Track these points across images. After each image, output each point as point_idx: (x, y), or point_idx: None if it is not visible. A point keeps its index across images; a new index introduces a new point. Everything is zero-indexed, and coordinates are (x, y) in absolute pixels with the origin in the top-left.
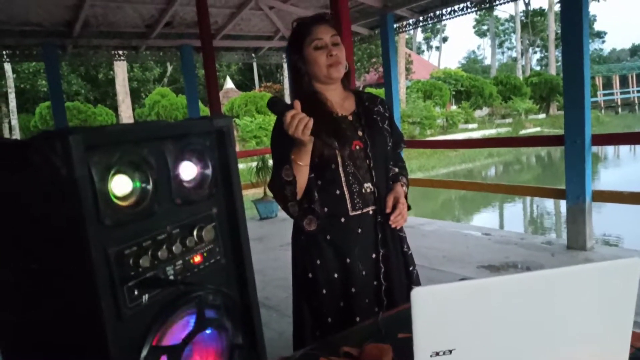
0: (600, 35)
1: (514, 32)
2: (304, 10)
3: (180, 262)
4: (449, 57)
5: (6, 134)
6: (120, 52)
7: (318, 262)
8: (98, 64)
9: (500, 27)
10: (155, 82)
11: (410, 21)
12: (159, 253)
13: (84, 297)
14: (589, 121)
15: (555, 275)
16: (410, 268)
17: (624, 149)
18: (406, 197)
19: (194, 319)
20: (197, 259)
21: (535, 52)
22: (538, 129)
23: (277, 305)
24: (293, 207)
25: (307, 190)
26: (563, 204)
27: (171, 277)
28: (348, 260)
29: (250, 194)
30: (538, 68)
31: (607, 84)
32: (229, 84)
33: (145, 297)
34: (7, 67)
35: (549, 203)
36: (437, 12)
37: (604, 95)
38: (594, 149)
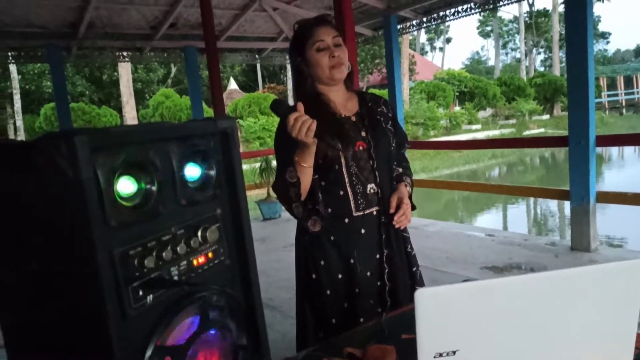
0: (604, 36)
1: (518, 33)
2: (308, 12)
3: (184, 262)
4: (452, 58)
5: (11, 135)
6: (125, 54)
7: (322, 262)
8: (102, 65)
9: (504, 28)
10: (159, 83)
11: (414, 22)
12: (164, 254)
13: (89, 297)
14: (593, 122)
15: (559, 277)
16: (414, 269)
17: (628, 150)
18: (410, 198)
19: (198, 319)
20: (202, 259)
21: (539, 53)
22: (542, 130)
23: (281, 306)
24: (297, 208)
25: (311, 191)
26: (567, 205)
27: (175, 278)
28: (352, 260)
29: (253, 195)
30: (542, 69)
31: (612, 85)
32: (232, 85)
33: (150, 298)
34: (13, 68)
35: (552, 204)
36: (441, 13)
37: (608, 96)
38: (598, 150)
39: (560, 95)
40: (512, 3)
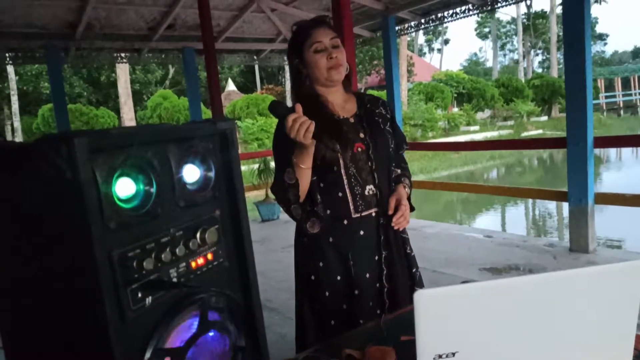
0: (602, 37)
1: (516, 34)
2: (306, 13)
3: (183, 264)
4: (450, 60)
5: (8, 136)
6: (123, 55)
7: (321, 264)
8: (100, 67)
9: (502, 30)
10: (157, 84)
11: (412, 24)
12: (163, 255)
13: (87, 299)
14: (591, 123)
15: (558, 278)
16: (414, 270)
17: (626, 151)
18: (409, 199)
19: (197, 321)
20: (200, 261)
21: (537, 55)
22: (540, 131)
23: (279, 308)
24: (296, 209)
25: (309, 193)
26: (565, 206)
27: (174, 280)
28: (351, 262)
29: (252, 196)
30: (540, 70)
31: (609, 87)
32: (230, 86)
33: (149, 300)
34: (10, 69)
35: (551, 205)
36: (439, 15)
37: (606, 97)
38: (596, 151)
39: (558, 97)
40: (510, 4)
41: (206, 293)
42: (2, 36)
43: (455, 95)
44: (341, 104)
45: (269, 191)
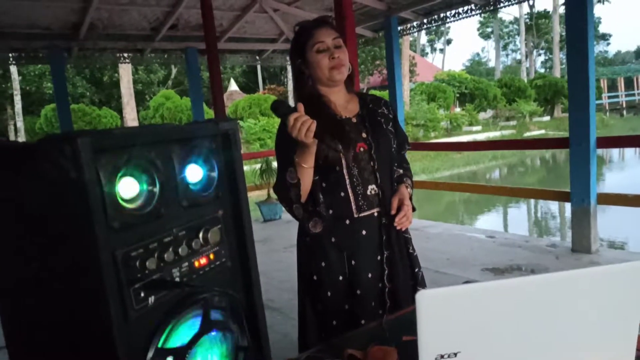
0: (605, 37)
1: (518, 34)
2: (308, 13)
3: (186, 264)
4: (453, 60)
5: (12, 136)
6: (126, 55)
7: (323, 264)
8: (103, 67)
9: (505, 30)
10: (159, 84)
11: (415, 24)
12: (165, 255)
13: (91, 298)
14: (594, 124)
15: (560, 279)
16: (416, 270)
17: (629, 151)
18: (411, 199)
19: (199, 320)
20: (203, 261)
21: (539, 55)
22: (542, 131)
23: (281, 308)
24: (298, 209)
25: (311, 193)
26: (568, 206)
27: (177, 279)
28: (353, 262)
29: (254, 196)
30: (542, 70)
31: (612, 87)
32: (233, 86)
33: (152, 299)
34: (13, 69)
35: (553, 206)
36: (441, 15)
37: (609, 97)
38: (599, 151)
39: (560, 97)
40: (512, 4)
41: (209, 293)
42: (6, 37)
43: (458, 95)
44: (343, 104)
45: (271, 191)
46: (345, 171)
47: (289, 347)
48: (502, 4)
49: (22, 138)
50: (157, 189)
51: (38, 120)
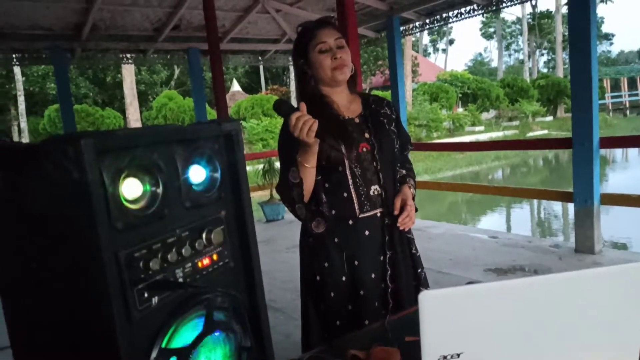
0: (608, 37)
1: (521, 34)
2: (311, 14)
3: (189, 264)
4: (455, 60)
5: (15, 137)
6: (128, 56)
7: (326, 264)
8: (106, 67)
9: (507, 30)
10: (162, 85)
11: (417, 24)
12: (169, 256)
13: (94, 299)
14: (597, 124)
15: (563, 279)
16: (419, 270)
17: (633, 151)
18: (413, 199)
19: (202, 321)
20: (206, 261)
21: (542, 55)
22: (545, 131)
23: (284, 308)
24: (300, 209)
25: (314, 193)
26: (571, 207)
27: (180, 280)
28: (356, 262)
29: (256, 196)
30: (545, 70)
31: (615, 87)
32: (235, 86)
33: (155, 300)
34: (17, 70)
35: (556, 206)
36: (444, 15)
37: (612, 97)
38: (602, 151)
39: (563, 97)
40: (515, 4)
41: (212, 293)
42: (9, 37)
43: (460, 95)
44: (346, 104)
45: (274, 191)
46: (348, 171)
47: (292, 348)
48: (504, 4)
49: (25, 138)
50: (160, 190)
51: (41, 121)
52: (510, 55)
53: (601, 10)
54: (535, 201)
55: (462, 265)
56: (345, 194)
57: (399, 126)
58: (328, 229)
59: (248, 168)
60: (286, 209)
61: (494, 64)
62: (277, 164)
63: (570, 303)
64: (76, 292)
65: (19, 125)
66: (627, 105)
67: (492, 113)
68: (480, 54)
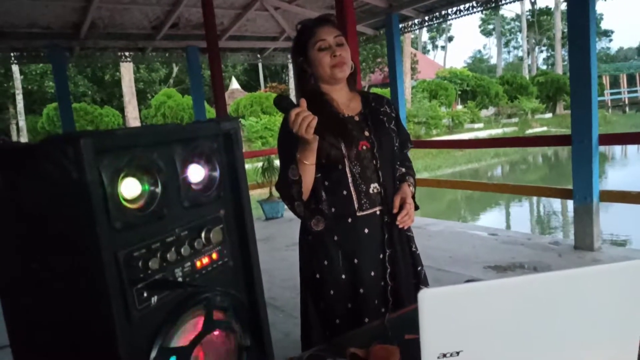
0: (607, 34)
1: (520, 31)
2: (309, 11)
3: (188, 264)
4: (454, 57)
5: (13, 135)
6: (127, 54)
7: (325, 262)
8: (104, 66)
9: (506, 27)
10: (161, 83)
11: (416, 21)
12: (168, 255)
13: (94, 299)
14: (596, 121)
15: (563, 277)
16: (419, 268)
17: (632, 148)
18: (413, 197)
19: (202, 320)
20: (205, 260)
21: (541, 51)
22: (545, 128)
23: (284, 306)
24: (299, 206)
25: (314, 191)
26: (570, 204)
27: (179, 279)
28: (356, 260)
29: (256, 194)
30: (544, 67)
31: (615, 83)
32: (234, 84)
33: (154, 299)
34: (15, 68)
35: (555, 203)
36: (443, 12)
37: (611, 94)
38: (602, 148)
39: (563, 94)
40: (514, 1)
41: (211, 292)
42: (7, 36)
43: (459, 92)
44: (346, 102)
45: (273, 189)
46: (347, 169)
47: (292, 346)
48: (503, 1)
49: (24, 137)
50: (159, 189)
51: (40, 119)
52: (509, 52)
53: (600, 6)
54: (534, 198)
55: (462, 263)
56: (344, 192)
57: (399, 124)
58: (327, 227)
59: (247, 166)
60: (285, 206)
61: (493, 61)
62: (277, 162)
63: (570, 301)
64: (75, 292)
65: (17, 124)
66: (626, 102)
67: (492, 110)
68: (480, 51)
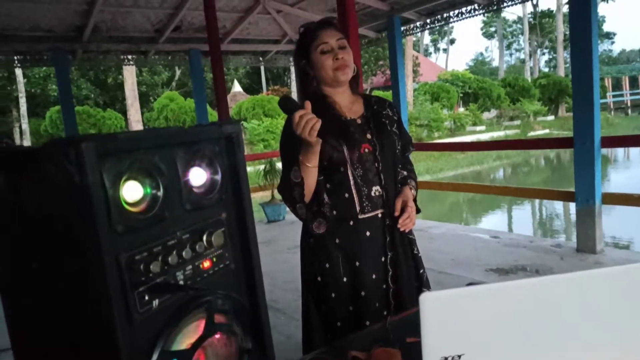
0: (609, 36)
1: (522, 33)
2: (311, 14)
3: (190, 267)
4: (456, 59)
5: (17, 138)
6: (129, 57)
7: (327, 265)
8: (107, 69)
9: (508, 29)
10: (163, 86)
11: (418, 24)
12: (169, 258)
13: (95, 302)
14: (599, 123)
15: (565, 280)
16: (421, 271)
17: (634, 151)
18: (415, 200)
19: (203, 323)
20: (207, 264)
21: (543, 54)
22: (547, 131)
23: (285, 308)
24: (301, 209)
25: (316, 193)
26: (572, 206)
27: (181, 282)
28: (357, 263)
29: (257, 197)
30: (546, 70)
31: (617, 85)
32: (236, 87)
33: (156, 302)
34: (18, 72)
35: (558, 206)
36: (445, 15)
37: (614, 96)
38: (604, 151)
39: (565, 96)
40: (516, 4)
41: (212, 295)
42: (10, 39)
43: (461, 95)
44: (348, 105)
45: (275, 192)
46: (349, 172)
47: (293, 349)
48: (505, 4)
49: (27, 140)
50: (160, 193)
51: (43, 123)
52: (511, 54)
53: (602, 9)
54: (536, 201)
55: (464, 266)
56: (346, 195)
57: (401, 128)
58: (329, 230)
59: (249, 169)
60: (287, 209)
61: (495, 63)
62: (279, 165)
63: (572, 304)
64: (77, 295)
65: (20, 127)
66: (629, 104)
67: (494, 113)
68: (482, 54)
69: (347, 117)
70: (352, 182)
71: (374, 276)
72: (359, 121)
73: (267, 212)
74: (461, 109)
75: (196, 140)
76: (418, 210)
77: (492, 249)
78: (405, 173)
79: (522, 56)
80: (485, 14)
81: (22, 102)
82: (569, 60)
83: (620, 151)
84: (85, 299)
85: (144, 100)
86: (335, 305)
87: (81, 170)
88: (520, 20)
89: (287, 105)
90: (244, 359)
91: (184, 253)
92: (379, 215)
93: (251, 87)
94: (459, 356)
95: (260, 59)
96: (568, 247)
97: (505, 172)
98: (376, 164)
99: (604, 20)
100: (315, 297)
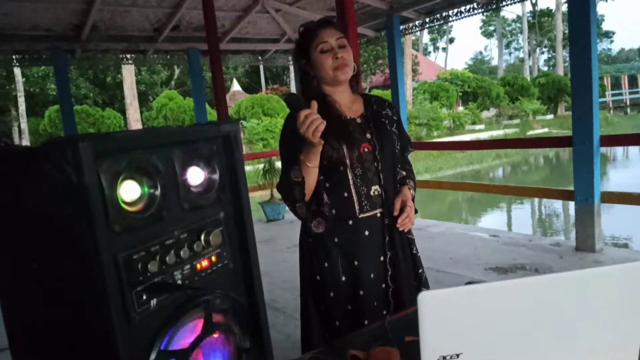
0: (608, 35)
1: (521, 32)
2: (310, 13)
3: (188, 266)
4: (455, 58)
5: (15, 138)
6: (128, 56)
7: (326, 264)
8: (106, 68)
9: (507, 28)
10: (162, 85)
11: (417, 23)
12: (167, 258)
13: (93, 301)
14: (597, 122)
15: (564, 279)
16: (420, 270)
17: (633, 149)
18: (413, 200)
19: (201, 323)
20: (205, 263)
21: (542, 53)
22: (546, 129)
23: (284, 307)
24: (301, 208)
25: (315, 193)
26: (571, 205)
27: (179, 282)
28: (356, 262)
29: (257, 196)
30: (546, 68)
31: (616, 84)
32: (235, 86)
33: (154, 302)
34: (17, 71)
35: (557, 204)
36: (444, 14)
37: (613, 95)
38: (603, 149)
39: (564, 95)
40: (515, 3)
41: (210, 295)
42: (9, 38)
43: (461, 94)
44: (348, 104)
45: (274, 191)
46: (349, 171)
47: (292, 348)
48: (504, 3)
49: (26, 139)
50: (158, 192)
51: (42, 122)
52: (510, 53)
53: (601, 8)
54: (536, 200)
55: (463, 264)
56: (345, 194)
57: (400, 127)
58: (328, 229)
59: (248, 168)
60: (287, 208)
61: (494, 62)
62: (278, 164)
63: (571, 302)
64: (75, 294)
65: (19, 126)
66: (628, 103)
67: (493, 111)
68: (481, 53)
69: (347, 116)
70: (351, 182)
71: (372, 275)
72: (358, 120)
73: (266, 211)
74: (460, 108)
75: (194, 139)
76: (415, 211)
77: (491, 248)
78: (404, 173)
79: (521, 55)
80: (485, 13)
81: (21, 101)
82: (568, 59)
83: (619, 150)
84: (83, 298)
85: (143, 100)
86: (334, 304)
87: (78, 170)
88: (519, 19)
89: (294, 103)
90: (242, 359)
91: (181, 252)
92: (378, 215)
93: (250, 86)
94: (458, 355)
95: (259, 58)
96: (567, 246)
97: (505, 171)
98: (375, 164)
99: (603, 19)
100: (314, 296)
